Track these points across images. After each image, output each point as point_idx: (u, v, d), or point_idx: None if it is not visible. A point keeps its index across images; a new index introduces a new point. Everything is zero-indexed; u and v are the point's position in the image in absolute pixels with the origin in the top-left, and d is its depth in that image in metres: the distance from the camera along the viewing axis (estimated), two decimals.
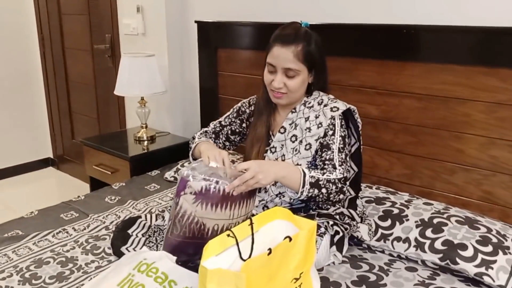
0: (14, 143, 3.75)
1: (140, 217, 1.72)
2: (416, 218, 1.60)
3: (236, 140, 1.76)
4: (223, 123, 1.74)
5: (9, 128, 3.70)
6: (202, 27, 2.50)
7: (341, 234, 1.43)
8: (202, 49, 2.53)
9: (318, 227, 1.38)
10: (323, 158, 1.47)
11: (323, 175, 1.40)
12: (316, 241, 1.30)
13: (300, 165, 1.49)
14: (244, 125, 1.72)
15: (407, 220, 1.60)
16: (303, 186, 1.36)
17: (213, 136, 1.72)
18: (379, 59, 1.91)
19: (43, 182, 3.78)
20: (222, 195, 1.26)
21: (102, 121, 3.42)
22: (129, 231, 1.62)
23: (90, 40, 3.28)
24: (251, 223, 1.10)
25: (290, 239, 1.09)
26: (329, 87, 1.61)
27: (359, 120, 1.57)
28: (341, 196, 1.44)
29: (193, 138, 1.70)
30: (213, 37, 2.47)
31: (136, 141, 2.67)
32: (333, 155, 1.45)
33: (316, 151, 1.49)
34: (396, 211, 1.66)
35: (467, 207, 1.78)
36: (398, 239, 1.55)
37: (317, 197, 1.40)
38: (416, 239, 1.52)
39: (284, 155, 1.55)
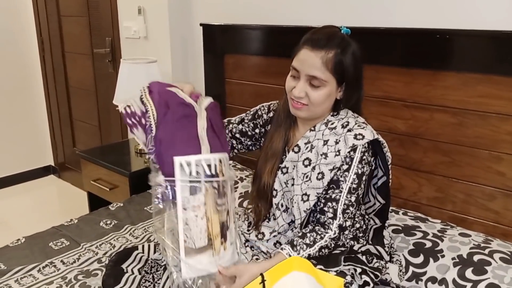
0: (14, 151, 3.61)
1: (136, 248, 1.53)
2: (453, 254, 1.39)
3: (245, 142, 1.51)
4: (232, 121, 1.52)
5: (9, 134, 3.56)
6: (208, 30, 2.31)
7: (371, 285, 1.20)
8: (208, 54, 2.35)
9: (344, 274, 1.16)
10: (327, 196, 1.25)
11: (313, 244, 1.19)
12: None
13: (309, 195, 1.26)
14: (257, 130, 1.49)
15: (443, 256, 1.40)
16: None
17: None
18: (407, 68, 1.69)
19: (43, 191, 3.64)
20: None
21: (103, 130, 3.24)
22: (124, 266, 1.44)
23: (90, 44, 3.10)
24: (263, 281, 0.90)
25: None
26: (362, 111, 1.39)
27: (388, 154, 1.33)
28: (337, 249, 1.26)
29: None
30: (220, 41, 2.29)
31: (137, 154, 2.48)
32: (339, 196, 1.23)
33: (328, 184, 1.26)
34: (428, 244, 1.45)
35: (508, 237, 1.57)
36: (433, 280, 1.35)
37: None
38: (454, 281, 1.31)
39: (293, 178, 1.32)
